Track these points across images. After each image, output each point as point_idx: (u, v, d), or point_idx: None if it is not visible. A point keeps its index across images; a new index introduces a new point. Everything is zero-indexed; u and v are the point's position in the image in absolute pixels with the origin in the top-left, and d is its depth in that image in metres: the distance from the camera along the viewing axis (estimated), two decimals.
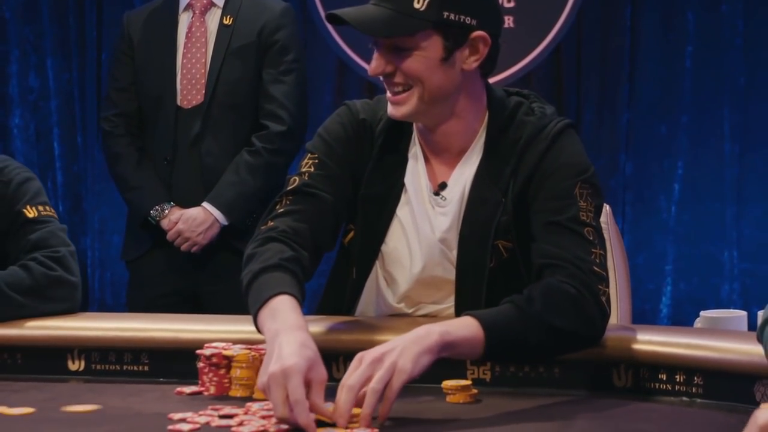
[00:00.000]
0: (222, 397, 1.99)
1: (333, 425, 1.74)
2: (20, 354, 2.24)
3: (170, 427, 1.77)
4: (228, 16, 3.65)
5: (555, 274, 2.03)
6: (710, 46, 4.74)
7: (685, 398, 1.94)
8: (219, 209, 3.57)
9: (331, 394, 1.79)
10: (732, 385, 1.88)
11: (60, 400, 1.98)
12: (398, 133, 2.25)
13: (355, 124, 2.26)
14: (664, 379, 1.96)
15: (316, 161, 2.23)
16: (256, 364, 1.97)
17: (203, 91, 3.61)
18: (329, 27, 4.80)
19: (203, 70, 3.62)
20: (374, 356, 1.78)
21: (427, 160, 2.25)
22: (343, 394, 1.74)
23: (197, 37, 3.65)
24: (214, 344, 2.04)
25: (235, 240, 3.55)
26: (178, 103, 3.63)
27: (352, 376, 1.76)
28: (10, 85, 5.19)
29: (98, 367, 2.20)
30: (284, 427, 1.75)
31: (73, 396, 2.04)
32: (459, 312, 2.18)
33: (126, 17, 3.79)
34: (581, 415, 1.86)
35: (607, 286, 2.05)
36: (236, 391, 1.99)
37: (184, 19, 3.68)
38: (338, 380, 1.79)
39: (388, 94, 2.17)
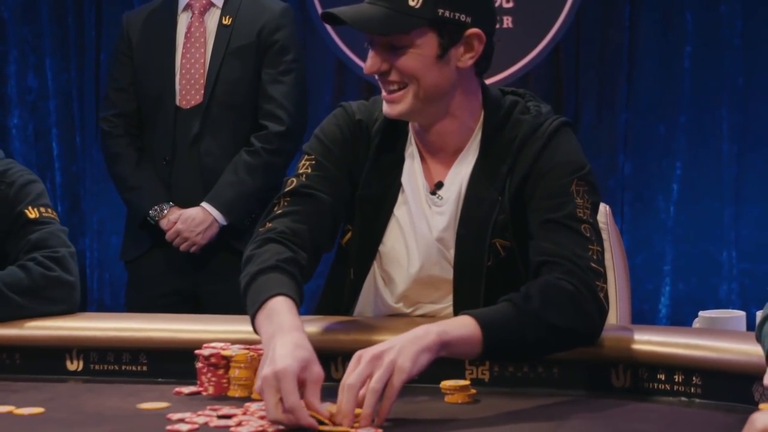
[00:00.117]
0: (220, 397, 1.99)
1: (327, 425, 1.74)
2: (19, 354, 2.24)
3: (169, 427, 1.77)
4: (227, 17, 3.65)
5: (552, 271, 2.03)
6: (709, 46, 4.74)
7: (683, 398, 1.94)
8: (218, 209, 3.57)
9: (331, 394, 1.79)
10: (730, 385, 1.88)
11: (60, 401, 1.99)
12: (394, 133, 2.26)
13: (352, 125, 2.26)
14: (663, 379, 1.96)
15: (313, 162, 2.23)
16: (254, 364, 1.97)
17: (202, 91, 3.61)
18: (328, 27, 4.80)
19: (202, 70, 3.62)
20: (373, 354, 1.79)
21: (423, 159, 2.26)
22: (345, 394, 1.74)
23: (196, 37, 3.65)
24: (212, 344, 2.04)
25: (234, 240, 3.55)
26: (177, 103, 3.63)
27: (351, 375, 1.76)
28: (9, 85, 5.19)
29: (97, 367, 2.20)
30: (281, 428, 1.75)
31: (73, 396, 2.04)
32: (457, 311, 2.18)
33: (125, 17, 3.79)
34: (580, 415, 1.86)
35: (605, 283, 2.05)
36: (235, 392, 1.99)
37: (183, 20, 3.68)
38: (337, 380, 1.79)
39: (384, 92, 2.18)
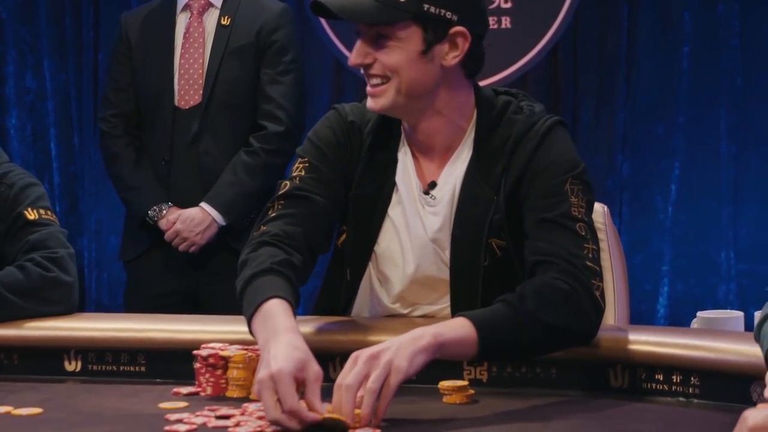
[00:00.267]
0: (219, 397, 1.99)
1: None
2: (17, 355, 2.23)
3: (167, 427, 1.77)
4: (226, 17, 3.65)
5: (548, 270, 2.03)
6: (707, 47, 4.74)
7: (681, 399, 1.94)
8: (217, 209, 3.57)
9: (329, 394, 1.79)
10: (728, 386, 1.88)
11: (58, 401, 1.98)
12: (387, 133, 2.26)
13: (344, 126, 2.27)
14: (661, 379, 1.96)
15: (307, 165, 2.24)
16: (252, 364, 1.97)
17: (201, 92, 3.61)
18: (326, 28, 4.81)
19: (201, 71, 3.62)
20: (369, 355, 1.79)
21: (416, 159, 2.26)
22: (343, 394, 1.74)
23: (195, 37, 3.65)
24: (210, 345, 2.04)
25: (233, 240, 3.55)
26: (176, 103, 3.63)
27: (349, 375, 1.76)
28: (7, 85, 5.19)
29: (95, 367, 2.20)
30: (280, 428, 1.75)
31: (70, 397, 2.04)
32: (455, 312, 2.18)
33: (123, 18, 3.79)
34: (578, 415, 1.86)
35: (601, 281, 2.05)
36: (233, 392, 1.99)
37: (181, 20, 3.68)
38: (335, 380, 1.79)
39: (368, 87, 2.19)
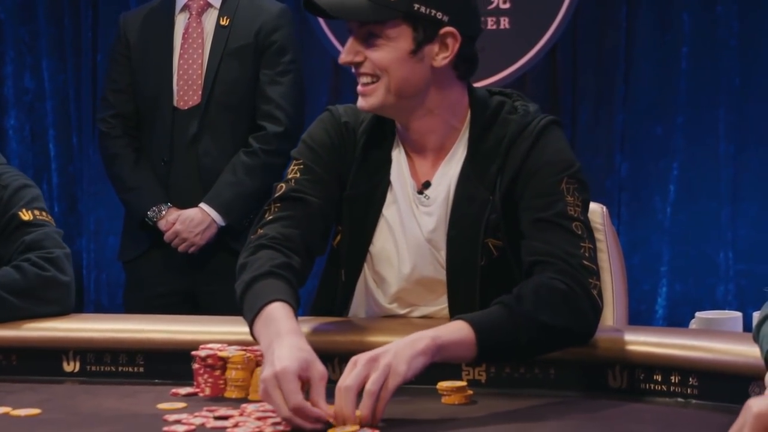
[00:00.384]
0: (217, 398, 1.98)
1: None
2: (15, 355, 2.23)
3: (165, 428, 1.77)
4: (225, 17, 3.65)
5: (545, 270, 2.03)
6: (705, 47, 4.74)
7: (680, 399, 1.94)
8: (216, 210, 3.57)
9: (328, 395, 1.79)
10: (727, 386, 1.88)
11: (56, 402, 1.98)
12: (381, 133, 2.26)
13: (338, 127, 2.27)
14: (659, 380, 1.96)
15: (302, 167, 2.24)
16: (251, 365, 1.98)
17: (200, 92, 3.61)
18: (325, 29, 4.81)
19: (200, 71, 3.62)
20: (369, 358, 1.79)
21: (410, 159, 2.26)
22: (343, 395, 1.75)
23: (194, 38, 3.65)
24: (209, 345, 2.04)
25: (233, 241, 3.55)
26: (175, 104, 3.63)
27: (348, 377, 1.77)
28: (6, 86, 5.18)
29: (93, 368, 2.20)
30: (279, 429, 1.75)
31: (69, 397, 2.04)
32: (453, 313, 2.19)
33: (122, 18, 3.79)
34: (576, 416, 1.86)
35: (598, 280, 2.05)
36: (231, 393, 1.99)
37: (180, 20, 3.68)
38: (334, 381, 1.79)
39: (359, 86, 2.19)
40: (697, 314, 3.79)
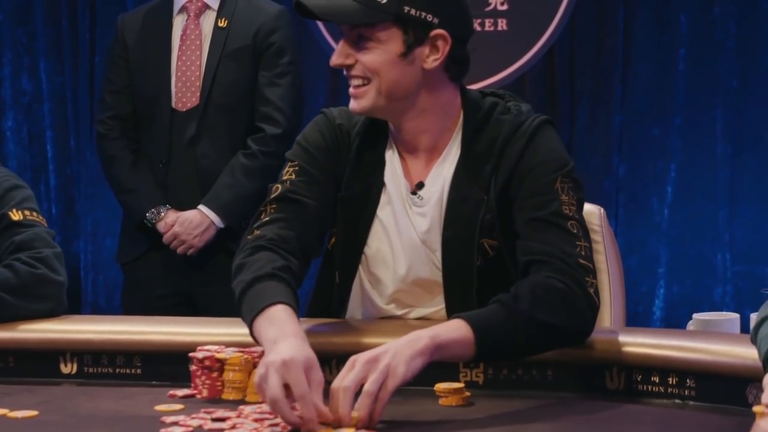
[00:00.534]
0: (215, 400, 1.98)
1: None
2: (12, 357, 2.23)
3: (163, 430, 1.77)
4: (223, 19, 3.65)
5: (541, 269, 2.03)
6: (703, 48, 4.74)
7: (677, 401, 1.94)
8: (215, 212, 3.57)
9: (325, 396, 1.79)
10: (724, 388, 1.88)
11: (54, 404, 1.98)
12: (374, 134, 2.27)
13: (332, 129, 2.28)
14: (657, 381, 1.96)
15: (297, 168, 2.24)
16: (248, 367, 1.98)
17: (198, 94, 3.61)
18: (323, 30, 4.80)
19: (198, 73, 3.62)
20: (368, 358, 1.79)
21: (403, 160, 2.26)
22: (341, 396, 1.75)
23: (192, 39, 3.65)
24: (206, 347, 2.04)
25: (232, 242, 3.54)
26: (173, 105, 3.62)
27: (347, 377, 1.77)
28: (3, 87, 5.17)
29: (91, 370, 2.20)
30: (277, 430, 1.75)
31: (66, 399, 2.04)
32: (451, 314, 2.18)
33: (120, 20, 3.78)
34: (574, 417, 1.86)
35: (595, 278, 2.06)
36: (229, 394, 1.99)
37: (178, 22, 3.68)
38: (331, 383, 1.79)
39: (350, 88, 2.19)
40: (695, 316, 3.80)
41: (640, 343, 2.00)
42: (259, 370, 1.79)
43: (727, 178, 4.72)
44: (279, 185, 2.23)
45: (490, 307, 1.98)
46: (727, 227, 4.72)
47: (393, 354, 1.80)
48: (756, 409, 1.54)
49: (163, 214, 3.60)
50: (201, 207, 3.58)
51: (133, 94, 3.69)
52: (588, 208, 2.37)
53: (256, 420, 1.79)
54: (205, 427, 1.78)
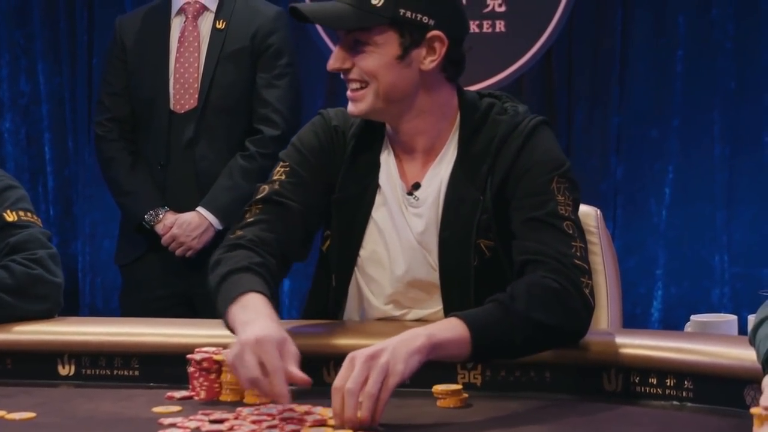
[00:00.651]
0: (212, 401, 1.98)
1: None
2: (10, 359, 2.23)
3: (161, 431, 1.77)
4: (221, 21, 3.65)
5: (537, 269, 2.03)
6: (701, 50, 4.74)
7: (675, 402, 1.94)
8: (214, 214, 3.57)
9: (325, 397, 1.79)
10: (722, 389, 1.88)
11: (51, 405, 1.98)
12: (370, 136, 2.27)
13: (328, 131, 2.28)
14: (655, 383, 1.96)
15: (287, 169, 2.25)
16: None
17: (196, 96, 3.61)
18: (321, 32, 4.81)
19: (196, 75, 3.62)
20: (367, 356, 1.79)
21: (399, 161, 2.26)
22: (346, 398, 1.75)
23: (190, 41, 3.65)
24: (204, 349, 2.04)
25: None
26: (172, 107, 3.62)
27: (350, 379, 1.77)
28: (1, 89, 5.17)
29: (88, 372, 2.20)
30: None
31: (64, 401, 2.04)
32: (448, 315, 2.18)
33: (118, 22, 3.78)
34: (571, 419, 1.86)
35: (590, 278, 2.06)
36: (227, 396, 1.99)
37: (176, 24, 3.68)
38: (330, 383, 1.79)
39: (348, 91, 2.19)
40: (693, 317, 3.79)
41: (638, 345, 2.00)
42: (233, 350, 1.83)
43: (725, 179, 4.72)
44: (266, 186, 2.24)
45: (486, 306, 1.98)
46: (725, 229, 4.72)
47: (392, 352, 1.80)
48: (754, 410, 1.54)
49: (161, 216, 3.60)
50: (199, 209, 3.58)
51: (131, 96, 3.69)
52: (584, 209, 2.37)
53: (254, 422, 1.79)
54: (203, 429, 1.78)
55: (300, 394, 1.89)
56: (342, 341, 2.10)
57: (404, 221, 2.23)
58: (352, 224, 2.25)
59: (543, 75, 4.84)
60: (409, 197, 2.24)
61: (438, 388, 1.94)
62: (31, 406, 1.95)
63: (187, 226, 3.56)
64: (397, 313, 2.27)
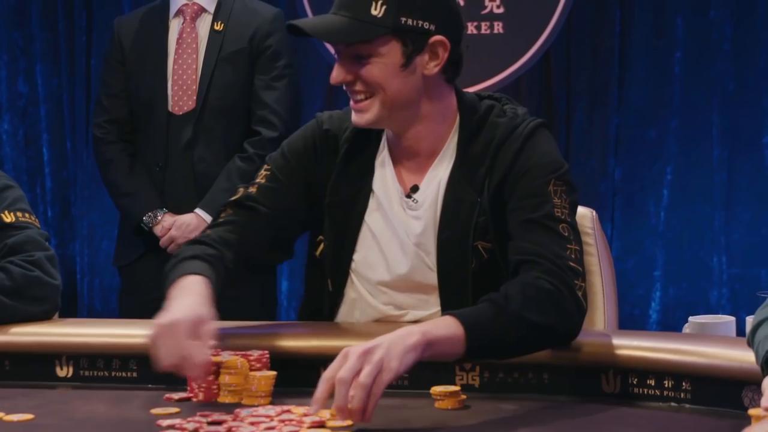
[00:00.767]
0: (211, 403, 1.98)
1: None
2: (8, 360, 2.23)
3: None
4: (219, 22, 3.65)
5: (531, 270, 2.04)
6: (699, 51, 4.75)
7: (673, 404, 1.94)
8: (212, 215, 3.56)
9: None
10: (720, 391, 1.88)
11: (50, 407, 1.98)
12: (365, 140, 2.27)
13: (319, 135, 2.28)
14: (653, 384, 1.96)
15: (269, 173, 2.29)
16: (245, 370, 1.98)
17: (195, 97, 3.61)
18: None
19: (195, 76, 3.62)
20: (362, 350, 1.79)
21: (396, 165, 2.26)
22: (336, 387, 1.75)
23: (188, 43, 3.65)
24: None
25: None
26: (170, 109, 3.62)
27: (342, 369, 1.77)
28: None
29: (87, 373, 2.19)
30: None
31: (62, 402, 2.04)
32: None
33: (116, 23, 3.78)
34: (569, 420, 1.86)
35: (584, 281, 2.06)
36: (225, 398, 1.98)
37: (174, 25, 3.68)
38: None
39: (352, 102, 2.19)
40: (691, 319, 3.79)
41: (636, 346, 2.00)
42: (153, 330, 1.92)
43: (723, 181, 4.72)
44: (242, 188, 2.28)
45: (480, 305, 1.98)
46: (723, 230, 4.72)
47: (386, 348, 1.80)
48: (753, 412, 1.54)
49: (159, 217, 3.60)
50: (198, 210, 3.58)
51: (130, 98, 3.69)
52: (580, 210, 2.37)
53: (252, 423, 1.79)
54: (201, 430, 1.78)
55: (299, 396, 1.89)
56: (338, 342, 2.09)
57: (401, 224, 2.23)
58: (345, 229, 2.25)
59: (542, 76, 4.85)
60: (408, 200, 2.24)
61: (436, 389, 1.94)
62: (29, 408, 1.95)
63: (185, 227, 3.56)
64: (395, 314, 2.27)
